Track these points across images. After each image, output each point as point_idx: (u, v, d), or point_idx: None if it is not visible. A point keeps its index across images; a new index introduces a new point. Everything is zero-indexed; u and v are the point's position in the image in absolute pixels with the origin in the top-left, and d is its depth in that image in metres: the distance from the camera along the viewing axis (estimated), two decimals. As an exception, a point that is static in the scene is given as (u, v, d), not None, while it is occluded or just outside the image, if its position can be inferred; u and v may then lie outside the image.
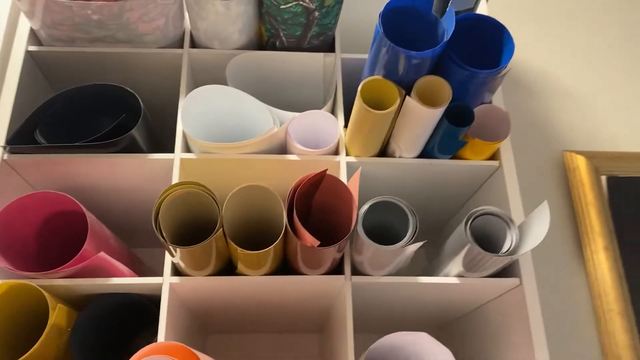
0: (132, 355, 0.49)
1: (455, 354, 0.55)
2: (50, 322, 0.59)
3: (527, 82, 1.33)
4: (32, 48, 0.74)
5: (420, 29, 0.62)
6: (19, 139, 0.67)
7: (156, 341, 0.61)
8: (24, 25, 0.76)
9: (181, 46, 0.77)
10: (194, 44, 0.77)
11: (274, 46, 0.77)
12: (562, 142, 1.27)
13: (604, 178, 1.20)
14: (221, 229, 0.55)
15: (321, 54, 0.77)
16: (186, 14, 0.75)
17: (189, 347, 0.51)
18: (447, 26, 0.59)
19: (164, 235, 0.55)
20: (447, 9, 0.59)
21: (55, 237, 0.70)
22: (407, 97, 0.62)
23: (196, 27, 0.74)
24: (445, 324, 0.88)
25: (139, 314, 0.68)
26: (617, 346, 1.04)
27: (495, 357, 0.72)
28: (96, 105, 0.71)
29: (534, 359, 0.62)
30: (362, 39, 0.81)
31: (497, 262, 0.61)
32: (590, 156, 1.21)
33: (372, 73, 0.65)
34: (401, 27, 0.61)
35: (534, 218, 0.61)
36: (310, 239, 0.55)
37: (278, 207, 0.59)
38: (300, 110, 0.71)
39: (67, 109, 0.70)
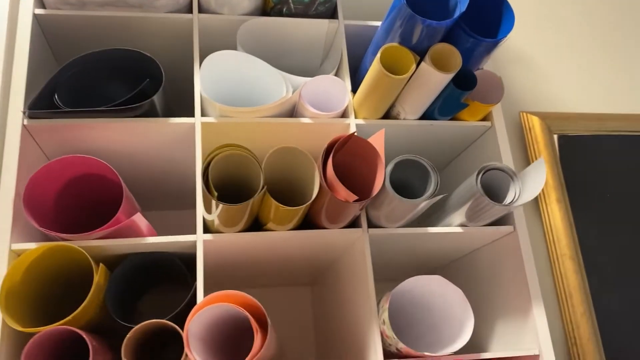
0: (163, 308, 0.53)
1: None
2: (95, 280, 0.62)
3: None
4: (38, 11, 0.73)
5: (434, 1, 0.67)
6: (40, 104, 0.67)
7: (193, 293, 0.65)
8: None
9: (190, 11, 0.78)
10: (201, 9, 0.78)
11: (280, 12, 0.80)
12: (520, 103, 1.38)
13: (555, 137, 1.32)
14: (264, 188, 0.60)
15: (325, 21, 0.80)
16: (196, -21, 0.76)
17: (242, 293, 0.56)
18: (460, -2, 0.65)
19: (212, 192, 0.59)
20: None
21: (78, 200, 0.72)
22: (421, 62, 0.68)
23: (206, -7, 0.75)
24: (443, 267, 0.97)
25: (167, 270, 0.71)
26: (569, 286, 1.17)
27: (491, 292, 0.81)
28: (113, 70, 0.72)
29: (528, 291, 0.72)
30: (363, 6, 0.85)
31: (498, 211, 0.69)
32: (544, 117, 1.32)
33: (386, 40, 0.70)
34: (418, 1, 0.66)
35: (530, 172, 0.69)
36: (345, 193, 0.60)
37: (309, 166, 0.64)
38: (304, 74, 0.75)
39: (85, 72, 0.71)
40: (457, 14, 0.64)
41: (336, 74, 0.80)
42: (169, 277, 0.76)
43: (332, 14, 0.83)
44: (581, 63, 1.47)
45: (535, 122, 1.32)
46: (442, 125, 0.79)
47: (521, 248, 0.74)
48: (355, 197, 0.60)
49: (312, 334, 0.96)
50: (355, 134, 0.63)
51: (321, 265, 0.88)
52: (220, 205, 0.60)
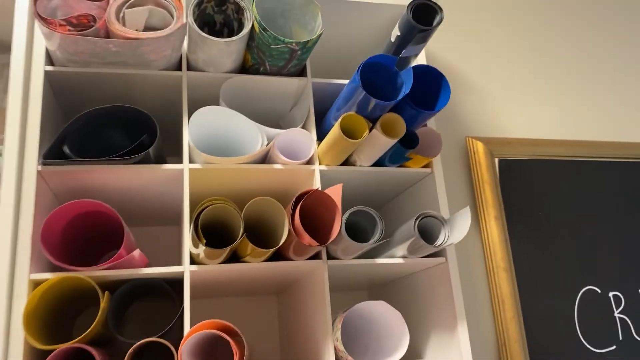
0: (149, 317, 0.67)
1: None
2: (102, 306, 0.75)
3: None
4: (48, 68, 0.85)
5: (384, 78, 0.82)
6: (51, 153, 0.80)
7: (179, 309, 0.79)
8: (40, 44, 0.85)
9: (179, 68, 0.91)
10: (189, 67, 0.91)
11: (257, 71, 0.93)
12: (466, 129, 1.54)
13: (497, 160, 1.49)
14: (244, 235, 0.74)
15: (296, 79, 0.95)
16: (185, 42, 0.89)
17: (223, 321, 0.70)
18: (406, 79, 0.80)
19: (201, 239, 0.73)
20: (408, 67, 0.80)
21: (82, 232, 0.85)
22: (373, 129, 0.83)
23: (195, 56, 0.88)
24: (387, 284, 1.14)
25: (155, 288, 0.86)
26: (502, 294, 1.36)
27: (426, 310, 0.98)
28: (114, 120, 0.85)
29: (454, 312, 0.89)
30: (328, 65, 1.00)
31: (432, 249, 0.86)
32: (487, 142, 1.50)
33: (346, 105, 0.85)
34: (371, 76, 0.81)
35: (457, 218, 0.85)
36: (308, 239, 0.75)
37: (280, 213, 0.79)
38: (276, 117, 0.89)
39: (89, 124, 0.83)
40: (401, 95, 0.79)
41: (304, 125, 0.95)
42: (154, 291, 0.90)
43: (301, 72, 0.97)
44: (524, 91, 1.64)
45: (479, 147, 1.49)
46: (390, 171, 0.95)
47: (450, 276, 0.91)
48: (317, 244, 0.75)
49: (278, 339, 1.12)
50: (319, 188, 0.78)
51: (287, 281, 1.03)
52: (207, 247, 0.74)
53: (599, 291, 1.45)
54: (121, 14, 0.81)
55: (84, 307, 0.93)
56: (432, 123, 0.99)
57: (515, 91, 1.62)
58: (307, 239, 0.75)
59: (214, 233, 0.81)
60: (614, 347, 1.40)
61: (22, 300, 0.74)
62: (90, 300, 0.80)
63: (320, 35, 0.86)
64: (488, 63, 1.63)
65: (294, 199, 0.78)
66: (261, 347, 1.11)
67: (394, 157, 0.91)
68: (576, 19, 1.76)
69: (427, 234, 0.86)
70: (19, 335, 0.73)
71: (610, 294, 1.48)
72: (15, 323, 0.73)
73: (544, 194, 1.51)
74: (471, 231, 1.41)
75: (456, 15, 1.60)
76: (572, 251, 1.46)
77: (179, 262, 0.84)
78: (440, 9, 0.83)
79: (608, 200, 1.55)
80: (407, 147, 0.88)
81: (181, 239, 0.87)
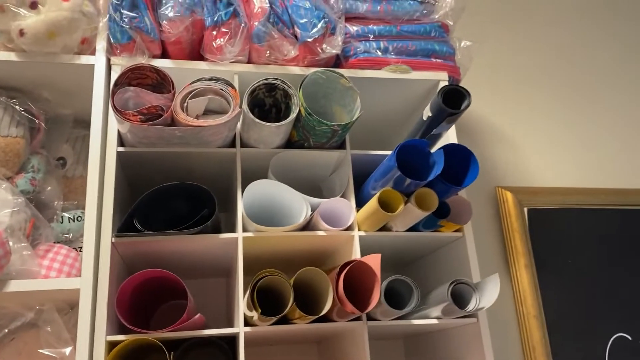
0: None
1: None
2: (169, 365, 0.85)
3: (469, 128, 1.65)
4: (120, 149, 0.97)
5: (418, 157, 0.92)
6: (123, 228, 0.91)
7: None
8: (113, 127, 0.97)
9: (233, 145, 1.02)
10: (242, 145, 1.02)
11: (302, 146, 1.03)
12: (496, 179, 1.61)
13: (526, 209, 1.56)
14: (294, 303, 0.84)
15: (336, 152, 1.04)
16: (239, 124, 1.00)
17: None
18: (438, 160, 0.89)
19: (257, 308, 0.82)
20: (438, 142, 0.89)
21: (147, 294, 0.95)
22: (408, 202, 0.92)
23: (248, 135, 0.99)
24: (416, 336, 1.22)
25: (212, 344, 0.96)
26: (533, 341, 1.41)
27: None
28: (177, 194, 0.96)
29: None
30: (365, 135, 1.09)
31: (464, 313, 0.93)
32: (516, 191, 1.56)
33: (383, 179, 0.94)
34: (406, 156, 0.90)
35: (487, 283, 0.93)
36: (351, 308, 0.84)
37: (325, 282, 0.88)
38: (318, 181, 0.97)
39: (155, 198, 0.94)
40: (432, 175, 0.88)
41: (343, 194, 1.04)
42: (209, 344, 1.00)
43: (341, 144, 1.07)
44: (553, 141, 1.70)
45: (509, 196, 1.56)
46: (424, 236, 1.03)
47: (482, 334, 0.98)
48: (358, 312, 0.84)
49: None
50: (360, 259, 0.87)
51: (328, 334, 1.11)
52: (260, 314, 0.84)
53: (630, 338, 1.48)
54: (185, 104, 0.92)
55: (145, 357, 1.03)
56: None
57: (544, 141, 1.69)
58: (349, 307, 0.84)
59: (265, 297, 0.90)
60: (645, 396, 1.43)
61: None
62: (156, 355, 0.90)
63: (359, 117, 0.96)
64: (517, 115, 1.70)
65: (337, 269, 0.87)
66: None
67: (428, 224, 1.00)
68: (601, 70, 1.82)
69: (460, 298, 0.94)
70: (99, 391, 0.83)
71: (641, 342, 1.51)
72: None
73: (573, 241, 1.56)
74: (502, 279, 1.47)
75: (487, 71, 1.68)
76: (602, 298, 1.50)
77: (226, 312, 0.93)
78: (469, 94, 0.92)
79: (638, 247, 1.59)
80: (439, 216, 0.96)
81: (233, 300, 0.97)
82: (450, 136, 1.08)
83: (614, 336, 1.48)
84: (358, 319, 0.95)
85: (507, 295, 1.48)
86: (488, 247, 1.51)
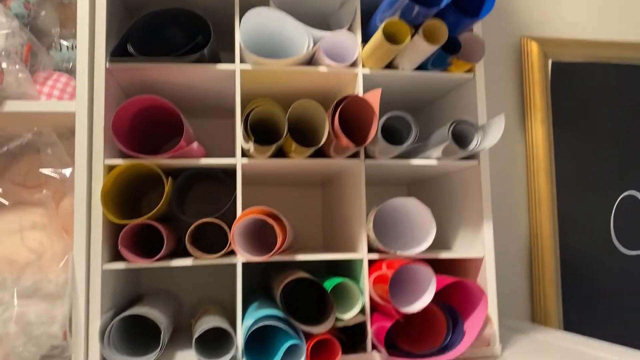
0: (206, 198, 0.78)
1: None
2: (166, 190, 0.87)
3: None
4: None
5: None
6: (118, 51, 0.88)
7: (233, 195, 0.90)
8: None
9: (232, -29, 0.94)
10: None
11: (307, -29, 0.95)
12: (521, 28, 1.51)
13: (550, 62, 1.47)
14: (287, 134, 0.82)
15: (343, -19, 0.96)
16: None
17: (270, 208, 0.81)
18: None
19: (250, 136, 0.81)
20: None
21: (145, 123, 0.95)
22: (415, 35, 0.85)
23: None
24: (419, 183, 1.22)
25: (211, 175, 0.97)
26: (540, 194, 1.41)
27: (455, 208, 1.06)
28: (173, 22, 0.91)
29: (481, 210, 0.96)
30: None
31: (465, 153, 0.91)
32: (542, 42, 1.47)
33: (389, 10, 0.87)
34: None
35: (492, 124, 0.89)
36: (346, 141, 0.82)
37: (322, 115, 0.85)
38: (323, 15, 0.92)
39: (150, 25, 0.90)
40: (444, 2, 0.81)
41: (350, 27, 0.98)
42: (211, 178, 1.01)
43: (348, -25, 0.98)
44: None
45: (534, 47, 1.48)
46: (432, 76, 0.98)
47: (481, 177, 0.97)
48: (354, 146, 0.82)
49: (321, 226, 1.24)
50: (357, 94, 0.84)
51: (330, 175, 1.12)
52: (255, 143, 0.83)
53: (639, 197, 1.47)
54: None
55: (149, 190, 1.06)
56: (485, 22, 0.98)
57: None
58: (344, 141, 0.82)
59: (263, 131, 0.88)
60: (647, 250, 1.45)
61: (99, 182, 0.86)
62: (155, 184, 0.91)
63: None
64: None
65: (334, 102, 0.84)
66: (306, 232, 1.24)
67: (436, 61, 0.94)
68: None
69: (462, 138, 0.91)
70: (98, 211, 0.86)
71: (651, 201, 1.49)
72: (95, 201, 0.86)
73: (594, 98, 1.49)
74: (516, 134, 1.44)
75: None
76: (616, 157, 1.47)
77: (233, 153, 0.93)
78: None
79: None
80: (449, 52, 0.90)
81: (235, 133, 0.96)
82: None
83: (624, 194, 1.46)
84: (356, 156, 0.94)
85: (520, 150, 1.46)
86: (506, 101, 1.45)
